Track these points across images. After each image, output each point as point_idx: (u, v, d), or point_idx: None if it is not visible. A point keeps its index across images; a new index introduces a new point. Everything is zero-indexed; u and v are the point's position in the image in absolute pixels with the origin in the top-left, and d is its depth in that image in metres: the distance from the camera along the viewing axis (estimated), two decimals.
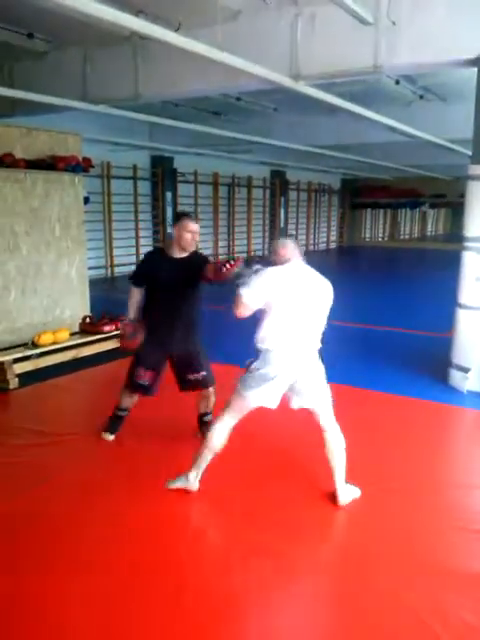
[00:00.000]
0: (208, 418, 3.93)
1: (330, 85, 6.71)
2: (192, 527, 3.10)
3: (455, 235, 5.49)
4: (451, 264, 5.47)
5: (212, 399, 3.96)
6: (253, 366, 3.01)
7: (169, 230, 14.64)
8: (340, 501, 3.17)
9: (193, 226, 3.85)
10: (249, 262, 3.25)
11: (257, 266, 3.07)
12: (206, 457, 3.18)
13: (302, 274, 3.04)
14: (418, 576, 2.61)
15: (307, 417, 3.16)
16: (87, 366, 5.72)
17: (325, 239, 22.76)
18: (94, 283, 7.85)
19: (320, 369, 3.11)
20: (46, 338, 5.50)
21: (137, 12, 5.38)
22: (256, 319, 3.00)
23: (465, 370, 5.12)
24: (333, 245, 23.49)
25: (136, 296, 3.88)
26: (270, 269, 3.01)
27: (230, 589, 2.51)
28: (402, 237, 28.62)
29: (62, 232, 6.30)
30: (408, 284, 12.69)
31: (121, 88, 6.75)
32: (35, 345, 5.42)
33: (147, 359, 3.80)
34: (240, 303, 2.91)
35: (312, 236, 21.91)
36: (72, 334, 5.92)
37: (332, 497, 3.18)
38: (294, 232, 20.66)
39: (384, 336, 7.34)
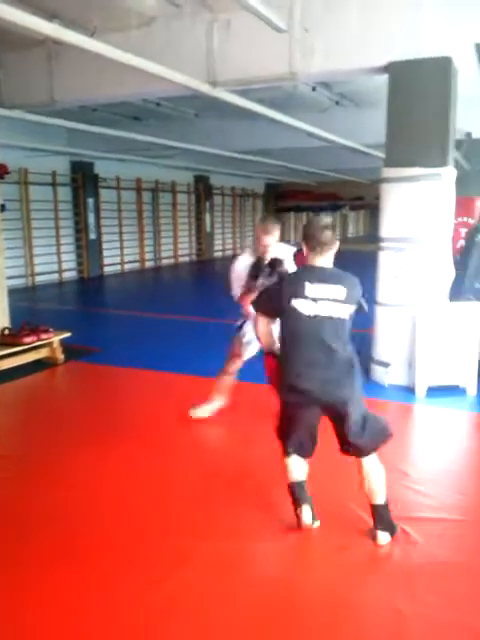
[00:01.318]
0: None
1: (248, 91, 6.80)
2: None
3: (374, 236, 5.69)
4: (371, 264, 5.67)
5: None
6: None
7: (92, 236, 14.39)
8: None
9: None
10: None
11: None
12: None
13: None
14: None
15: None
16: (8, 380, 5.51)
17: (251, 243, 23.00)
18: (13, 293, 7.58)
19: None
20: None
21: (51, 16, 5.25)
22: None
23: (385, 365, 5.32)
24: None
25: None
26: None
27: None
28: None
29: None
30: None
31: (36, 93, 6.57)
32: None
33: None
34: None
35: (238, 239, 22.11)
36: None
37: None
38: (220, 236, 20.80)
39: None
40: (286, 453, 2.93)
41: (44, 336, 5.99)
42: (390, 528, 2.89)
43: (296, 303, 2.70)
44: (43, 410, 4.93)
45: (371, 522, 2.92)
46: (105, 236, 14.88)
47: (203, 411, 4.36)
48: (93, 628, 2.30)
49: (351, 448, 2.85)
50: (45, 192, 12.97)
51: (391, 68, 5.07)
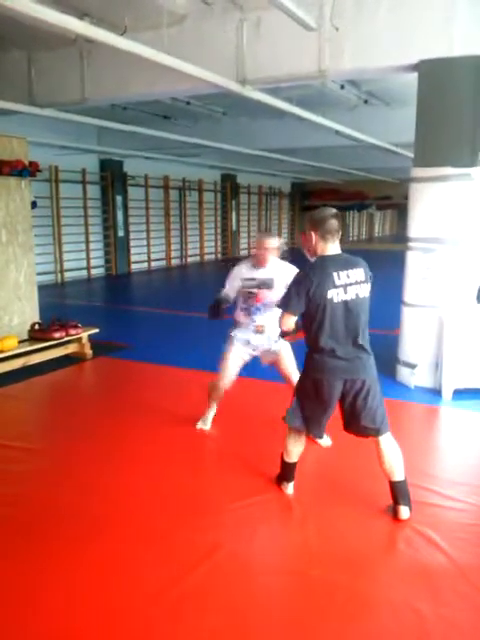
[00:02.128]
0: None
1: (277, 89, 6.81)
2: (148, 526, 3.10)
3: (401, 236, 5.64)
4: (397, 264, 5.63)
5: None
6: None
7: (120, 234, 14.53)
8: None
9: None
10: None
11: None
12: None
13: None
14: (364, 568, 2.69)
15: None
16: (37, 374, 5.62)
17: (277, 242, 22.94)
18: (43, 289, 7.72)
19: None
20: None
21: (82, 15, 5.34)
22: None
23: (412, 366, 5.28)
24: (285, 247, 23.66)
25: None
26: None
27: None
28: (350, 239, 29.19)
29: (9, 237, 6.17)
30: None
31: (67, 91, 6.68)
32: None
33: None
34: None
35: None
36: (21, 341, 5.80)
37: None
38: (246, 235, 20.81)
39: None
40: (315, 436, 3.25)
41: (73, 332, 6.09)
42: (410, 504, 3.05)
43: (330, 294, 2.83)
44: (69, 404, 5.00)
45: (391, 500, 3.07)
46: (133, 234, 15.03)
47: (205, 423, 4.31)
48: (120, 619, 2.34)
49: (370, 427, 3.00)
50: (75, 189, 13.15)
51: (421, 66, 5.03)
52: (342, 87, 8.13)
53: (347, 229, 28.83)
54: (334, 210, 2.98)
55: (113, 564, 2.70)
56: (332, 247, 2.93)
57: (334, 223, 2.90)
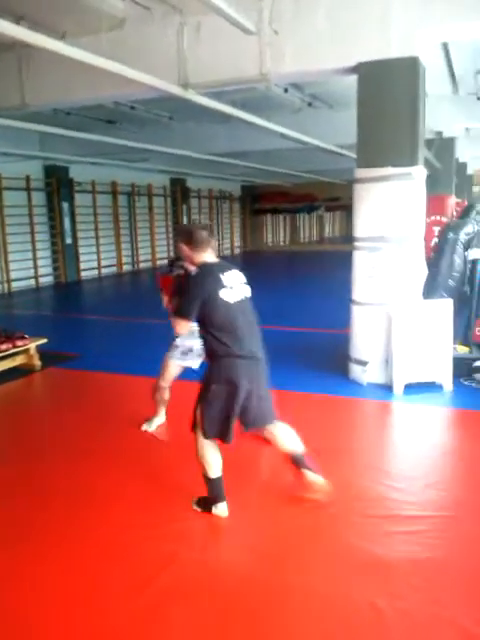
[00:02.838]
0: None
1: (221, 93, 6.81)
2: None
3: (350, 236, 5.73)
4: (348, 264, 5.71)
5: None
6: None
7: (68, 241, 14.26)
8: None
9: None
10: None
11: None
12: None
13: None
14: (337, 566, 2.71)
15: None
16: None
17: (229, 245, 23.02)
18: None
19: None
20: None
21: (18, 19, 5.21)
22: None
23: (363, 363, 5.36)
24: (237, 251, 23.80)
25: None
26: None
27: None
28: (302, 240, 29.49)
29: None
30: (308, 285, 13.12)
31: (6, 97, 6.50)
32: None
33: None
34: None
35: (216, 242, 22.05)
36: None
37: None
38: None
39: (287, 336, 7.52)
40: (225, 440, 3.01)
41: (20, 343, 5.92)
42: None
43: (224, 295, 2.92)
44: (20, 418, 4.86)
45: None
46: (81, 240, 14.76)
47: (152, 425, 4.36)
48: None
49: (268, 420, 3.14)
50: (19, 197, 12.84)
51: (360, 68, 5.12)
52: (286, 90, 8.22)
53: (297, 231, 29.14)
54: (204, 223, 3.19)
55: (77, 576, 2.63)
56: (208, 255, 3.05)
57: (202, 234, 3.04)
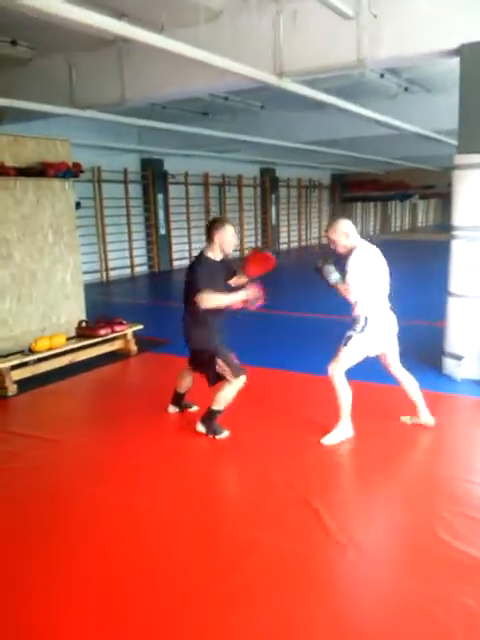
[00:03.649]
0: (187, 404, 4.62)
1: (315, 81, 6.74)
2: (194, 523, 3.14)
3: (445, 225, 5.51)
4: (442, 254, 5.52)
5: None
6: (356, 329, 3.79)
7: (162, 232, 14.67)
8: (429, 422, 4.09)
9: (233, 230, 4.28)
10: (324, 262, 3.89)
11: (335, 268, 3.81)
12: (346, 406, 3.87)
13: (371, 249, 3.83)
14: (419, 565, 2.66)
15: None
16: (84, 370, 5.76)
17: (317, 234, 22.79)
18: (89, 288, 7.89)
19: (395, 321, 3.96)
20: (42, 344, 5.53)
21: (120, 15, 5.40)
22: None
23: (458, 358, 5.18)
24: (325, 240, 23.47)
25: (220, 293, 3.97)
26: (359, 256, 3.71)
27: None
28: (393, 229, 28.72)
29: (55, 238, 6.33)
30: (400, 275, 12.69)
31: (107, 92, 6.78)
32: (32, 351, 5.45)
33: (227, 348, 4.09)
34: (349, 290, 3.71)
35: (304, 232, 21.96)
36: (68, 339, 5.95)
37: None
38: (286, 229, 20.73)
39: None
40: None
41: (118, 328, 6.21)
42: (211, 430, 4.04)
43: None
44: (115, 400, 5.10)
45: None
46: (174, 231, 15.17)
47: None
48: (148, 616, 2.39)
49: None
50: (117, 189, 13.35)
51: (463, 51, 4.90)
52: (382, 76, 7.98)
53: (389, 219, 28.39)
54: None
55: (145, 561, 2.75)
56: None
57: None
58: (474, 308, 5.04)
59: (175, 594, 2.46)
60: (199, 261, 4.06)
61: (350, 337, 3.81)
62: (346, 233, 3.76)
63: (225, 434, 4.05)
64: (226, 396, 3.98)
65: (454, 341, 5.25)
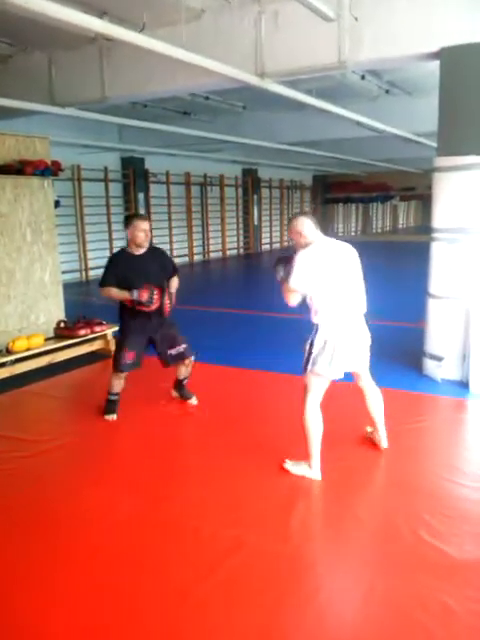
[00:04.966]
0: (186, 381, 4.74)
1: (296, 82, 6.77)
2: (191, 525, 3.12)
3: (425, 227, 5.57)
4: (422, 255, 5.56)
5: (190, 368, 4.64)
6: (312, 344, 3.33)
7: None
8: (382, 445, 3.79)
9: (144, 225, 4.42)
10: (279, 262, 3.52)
11: (284, 266, 3.42)
12: (315, 444, 3.41)
13: (329, 248, 3.39)
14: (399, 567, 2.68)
15: None
16: (63, 371, 5.69)
17: None
18: (68, 287, 7.80)
19: (366, 333, 3.50)
20: (20, 344, 5.45)
21: (101, 14, 5.37)
22: None
23: (438, 359, 5.22)
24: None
25: (114, 288, 4.31)
26: (303, 253, 3.31)
27: None
28: (374, 230, 28.93)
29: (33, 237, 6.24)
30: (380, 277, 12.76)
31: (88, 90, 6.73)
32: (9, 352, 5.37)
33: (131, 343, 4.37)
34: (289, 292, 3.31)
35: (286, 232, 22.02)
36: (47, 339, 5.88)
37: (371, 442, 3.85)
38: (268, 229, 20.77)
39: None
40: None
41: (97, 329, 6.15)
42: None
43: None
44: (94, 400, 5.04)
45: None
46: (155, 230, 15.02)
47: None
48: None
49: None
50: (97, 188, 13.26)
51: (443, 54, 4.94)
52: (363, 77, 8.04)
53: (370, 221, 28.59)
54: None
55: (129, 561, 2.73)
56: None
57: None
58: (453, 309, 5.08)
59: (158, 594, 2.43)
60: (112, 255, 4.52)
61: (307, 360, 3.35)
62: (299, 232, 3.39)
63: (112, 417, 4.40)
64: (110, 381, 4.46)
65: (434, 342, 5.29)
